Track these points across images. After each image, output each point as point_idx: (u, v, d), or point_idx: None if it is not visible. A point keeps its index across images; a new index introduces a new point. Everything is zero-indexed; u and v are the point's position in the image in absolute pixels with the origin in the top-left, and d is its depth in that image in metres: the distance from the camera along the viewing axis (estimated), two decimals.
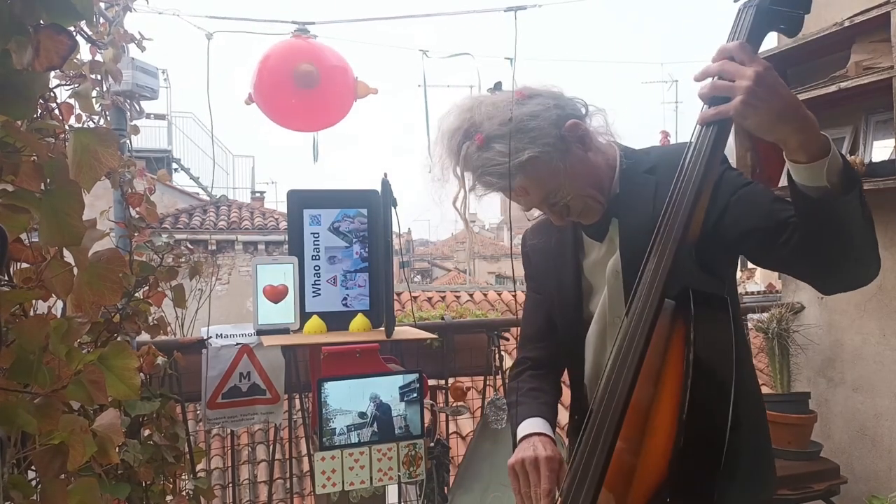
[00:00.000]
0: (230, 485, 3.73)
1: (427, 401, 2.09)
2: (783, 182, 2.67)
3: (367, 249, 2.23)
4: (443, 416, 2.70)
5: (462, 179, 1.18)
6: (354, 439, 1.84)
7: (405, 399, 1.90)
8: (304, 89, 2.24)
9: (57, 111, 1.25)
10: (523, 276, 1.52)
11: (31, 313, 0.93)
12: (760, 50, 2.94)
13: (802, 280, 1.11)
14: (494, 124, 1.13)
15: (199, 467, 2.30)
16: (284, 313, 2.11)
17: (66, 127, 1.16)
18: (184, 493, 1.94)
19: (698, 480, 0.90)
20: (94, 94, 1.73)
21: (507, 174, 1.12)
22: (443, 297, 8.59)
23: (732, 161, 2.76)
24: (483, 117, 1.14)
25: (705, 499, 0.89)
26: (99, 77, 1.78)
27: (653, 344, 0.96)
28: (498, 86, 1.21)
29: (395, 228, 2.02)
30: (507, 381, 2.14)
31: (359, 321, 2.11)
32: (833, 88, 2.35)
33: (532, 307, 1.45)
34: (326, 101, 2.39)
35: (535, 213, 1.36)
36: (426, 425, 2.01)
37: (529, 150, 1.12)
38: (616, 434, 0.94)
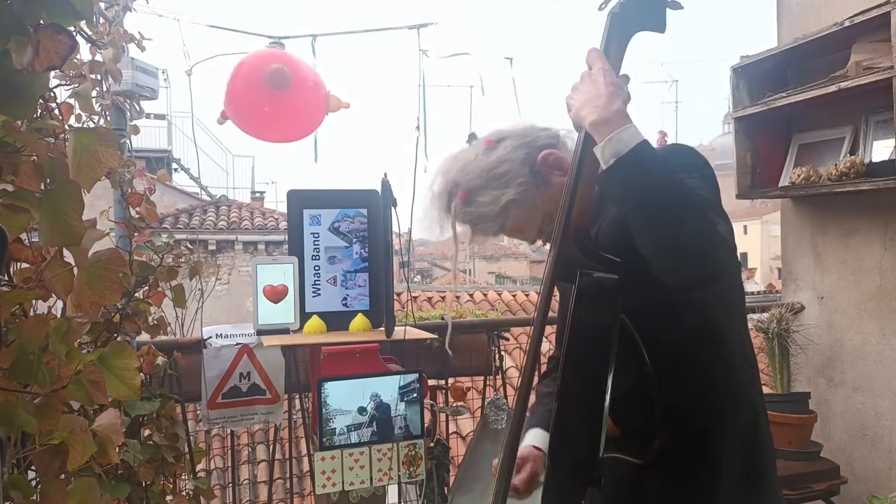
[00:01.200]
0: (230, 485, 3.73)
1: (427, 401, 2.09)
2: (783, 182, 2.67)
3: (367, 249, 2.23)
4: (443, 416, 2.70)
5: (455, 234, 1.26)
6: (354, 439, 1.84)
7: (405, 399, 1.90)
8: (275, 90, 2.23)
9: (57, 111, 1.25)
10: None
11: (31, 313, 0.93)
12: (759, 50, 2.92)
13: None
14: (471, 178, 1.22)
15: (199, 467, 2.30)
16: (284, 313, 2.11)
17: (66, 127, 1.16)
18: (184, 493, 1.94)
19: (572, 471, 0.97)
20: (94, 94, 1.72)
21: (495, 221, 1.21)
22: (443, 297, 8.59)
23: (733, 161, 2.77)
24: (460, 175, 1.23)
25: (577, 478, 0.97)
26: (99, 77, 1.77)
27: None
28: (472, 137, 1.28)
29: (395, 228, 2.02)
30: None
31: (359, 321, 2.11)
32: (833, 88, 2.35)
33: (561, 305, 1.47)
34: (298, 110, 2.39)
35: None
36: (426, 425, 2.01)
37: (507, 194, 1.19)
38: (520, 417, 1.07)
